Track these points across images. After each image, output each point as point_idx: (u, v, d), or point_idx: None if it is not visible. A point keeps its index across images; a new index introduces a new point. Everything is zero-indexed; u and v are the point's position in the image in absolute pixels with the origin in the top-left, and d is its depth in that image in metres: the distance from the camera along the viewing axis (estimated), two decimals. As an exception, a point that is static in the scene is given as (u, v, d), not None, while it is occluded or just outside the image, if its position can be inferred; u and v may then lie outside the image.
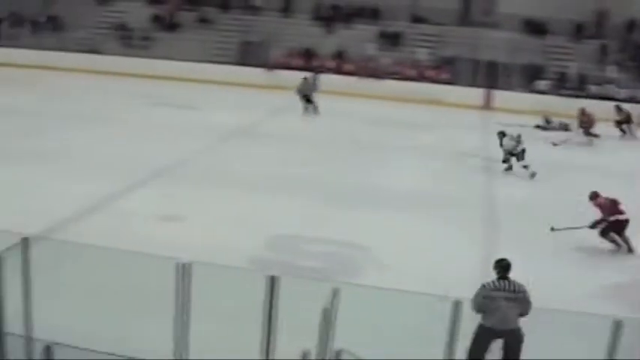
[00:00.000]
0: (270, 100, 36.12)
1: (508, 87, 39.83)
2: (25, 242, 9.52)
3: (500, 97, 38.80)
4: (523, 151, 23.97)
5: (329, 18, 45.19)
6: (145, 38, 45.00)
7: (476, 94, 39.12)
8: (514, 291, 10.09)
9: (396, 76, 41.44)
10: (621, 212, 17.08)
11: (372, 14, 45.05)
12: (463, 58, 41.66)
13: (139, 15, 46.46)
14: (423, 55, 42.63)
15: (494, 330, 10.12)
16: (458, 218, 18.39)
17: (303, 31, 44.20)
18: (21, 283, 9.64)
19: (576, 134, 30.71)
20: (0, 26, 46.15)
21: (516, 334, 10.16)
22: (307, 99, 34.18)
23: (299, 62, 42.62)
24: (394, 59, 42.39)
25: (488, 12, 44.51)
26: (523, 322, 10.02)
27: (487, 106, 38.78)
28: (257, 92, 37.14)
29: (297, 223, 17.57)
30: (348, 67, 42.28)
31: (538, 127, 32.57)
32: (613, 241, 17.18)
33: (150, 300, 11.79)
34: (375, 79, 40.88)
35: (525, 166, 23.82)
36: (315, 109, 33.96)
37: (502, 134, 24.37)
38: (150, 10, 47.02)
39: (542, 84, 39.91)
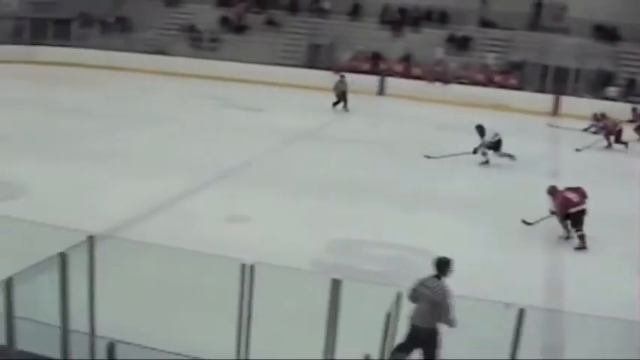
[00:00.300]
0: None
1: (577, 93, 39.31)
2: (91, 240, 9.58)
3: (569, 103, 38.25)
4: (499, 142, 25.04)
5: (397, 22, 45.05)
6: (213, 40, 45.28)
7: (544, 100, 38.65)
8: (434, 292, 10.01)
9: (464, 81, 41.16)
10: (576, 204, 17.37)
11: (441, 18, 44.80)
12: (532, 63, 41.25)
13: (207, 17, 46.75)
14: (491, 59, 42.29)
15: (413, 324, 10.13)
16: (522, 226, 18.13)
17: (370, 35, 44.10)
18: (86, 281, 9.70)
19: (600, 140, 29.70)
20: (69, 26, 46.70)
21: (431, 336, 10.13)
22: (342, 97, 35.24)
23: (366, 66, 42.54)
24: (462, 64, 42.12)
25: (559, 17, 43.99)
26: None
27: (555, 112, 38.30)
28: (324, 95, 37.09)
29: (360, 226, 17.47)
30: (415, 71, 42.07)
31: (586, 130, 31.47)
32: (567, 229, 17.71)
33: (213, 300, 11.80)
34: (443, 84, 40.65)
35: (503, 155, 25.13)
36: (345, 107, 35.06)
37: (481, 128, 25.23)
38: (218, 12, 47.30)
39: (611, 90, 39.22)
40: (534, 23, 44.14)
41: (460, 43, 43.19)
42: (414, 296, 10.17)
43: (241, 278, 8.98)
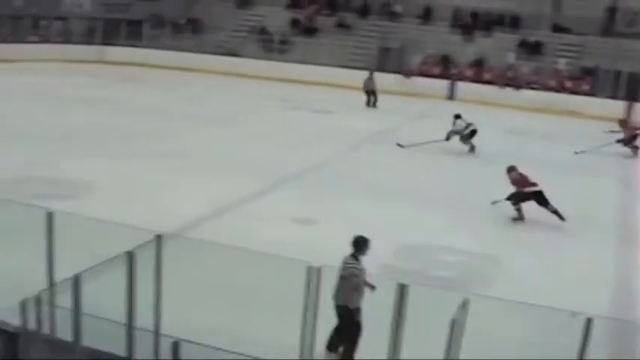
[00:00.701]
0: (407, 107, 35.91)
1: (650, 100, 38.62)
2: (159, 239, 9.62)
3: (642, 109, 37.58)
4: (473, 132, 26.74)
5: (468, 26, 44.73)
6: (284, 42, 45.40)
7: (616, 107, 38.00)
8: (343, 268, 10.46)
9: (535, 86, 40.73)
10: (532, 184, 18.83)
11: (512, 23, 44.38)
12: (604, 69, 40.64)
13: (278, 19, 46.91)
14: (563, 65, 41.79)
15: (334, 300, 10.42)
16: (594, 236, 17.84)
17: (441, 39, 43.87)
18: (152, 280, 9.73)
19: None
20: (141, 27, 47.17)
21: (343, 311, 10.38)
22: (371, 94, 36.21)
23: (436, 70, 42.32)
24: (533, 69, 41.69)
25: (633, 22, 43.29)
26: None
27: (627, 118, 37.65)
28: (393, 99, 36.99)
29: (428, 231, 17.35)
30: (486, 75, 41.72)
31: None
32: (518, 210, 18.89)
33: (278, 301, 11.78)
34: (514, 89, 40.26)
35: (471, 147, 26.92)
36: (375, 104, 36.07)
37: (457, 116, 27.00)
38: (289, 15, 47.42)
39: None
40: (608, 28, 43.47)
41: (532, 48, 42.76)
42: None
43: (307, 280, 8.94)
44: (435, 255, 16.00)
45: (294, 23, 46.69)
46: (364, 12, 46.94)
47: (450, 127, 26.76)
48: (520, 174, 19.13)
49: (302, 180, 21.48)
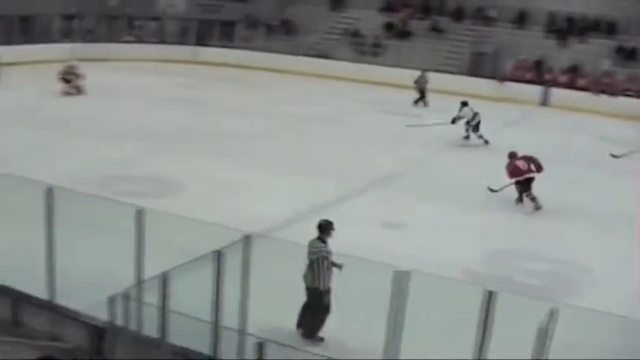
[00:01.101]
0: (499, 112, 35.51)
1: None
2: (247, 239, 9.65)
3: None
4: (478, 123, 27.96)
5: (563, 31, 44.06)
6: (376, 45, 45.31)
7: None
8: (311, 252, 11.10)
9: (631, 93, 39.88)
10: (526, 172, 19.91)
11: (609, 28, 43.54)
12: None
13: (371, 22, 46.85)
14: (661, 72, 40.93)
15: (305, 282, 11.20)
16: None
17: (536, 44, 43.28)
18: (238, 279, 9.76)
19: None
20: (234, 28, 47.54)
21: (314, 293, 11.10)
22: (422, 93, 36.67)
23: (530, 75, 41.79)
24: (630, 75, 40.86)
25: None
26: None
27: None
28: (486, 104, 36.60)
29: (516, 238, 17.19)
30: (580, 82, 40.98)
31: None
32: (533, 199, 19.87)
33: (364, 304, 11.74)
34: (609, 96, 39.51)
35: (481, 136, 27.96)
36: (426, 103, 36.44)
37: (464, 103, 28.48)
38: (382, 18, 47.32)
39: None
40: None
41: (628, 55, 41.90)
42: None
43: (394, 284, 8.89)
44: (522, 262, 15.79)
45: (388, 26, 46.58)
46: (458, 16, 46.60)
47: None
48: (515, 164, 20.13)
49: (391, 183, 21.42)
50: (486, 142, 27.89)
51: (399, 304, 8.99)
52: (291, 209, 17.80)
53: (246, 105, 32.58)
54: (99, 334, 10.91)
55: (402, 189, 20.81)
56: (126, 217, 10.54)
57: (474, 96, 37.06)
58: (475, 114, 28.19)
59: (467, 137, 28.33)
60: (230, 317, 9.82)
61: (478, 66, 43.22)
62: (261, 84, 39.18)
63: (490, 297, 8.39)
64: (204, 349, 9.92)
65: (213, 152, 23.32)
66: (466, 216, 18.74)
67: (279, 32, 47.34)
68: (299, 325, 11.29)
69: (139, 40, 47.64)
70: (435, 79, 38.81)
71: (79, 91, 32.74)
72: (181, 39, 48.17)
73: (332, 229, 11.44)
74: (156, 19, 49.14)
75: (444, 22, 46.24)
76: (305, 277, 11.23)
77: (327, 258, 11.05)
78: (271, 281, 11.98)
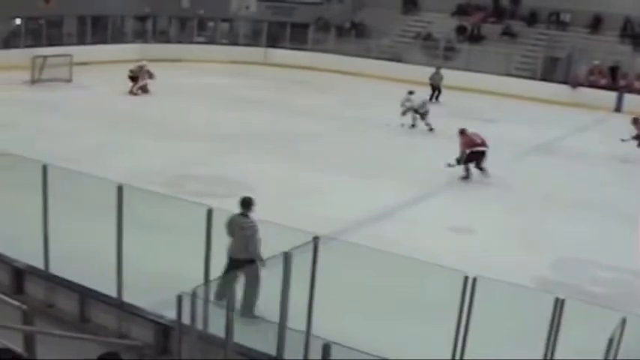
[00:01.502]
0: (572, 117, 35.06)
1: None
2: (316, 241, 9.66)
3: None
4: (426, 112, 29.14)
5: (638, 36, 43.35)
6: (448, 49, 45.05)
7: None
8: (245, 228, 11.83)
9: None
10: (478, 145, 22.05)
11: (686, 34, 42.81)
12: None
13: (443, 25, 46.62)
14: None
15: (230, 256, 11.93)
16: None
17: (610, 49, 42.61)
18: (305, 281, 9.77)
19: None
20: (306, 31, 47.61)
21: (240, 264, 11.70)
22: (436, 89, 37.66)
23: (604, 80, 41.16)
24: None
25: None
26: None
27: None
28: (559, 109, 36.23)
29: (588, 246, 16.91)
30: (657, 88, 40.24)
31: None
32: (467, 169, 22.04)
33: (430, 309, 11.67)
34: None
35: (428, 124, 29.06)
36: (437, 98, 37.23)
37: (411, 92, 29.81)
38: (455, 22, 47.03)
39: None
40: None
41: None
42: (229, 232, 12.03)
43: (462, 290, 8.83)
44: (594, 271, 15.56)
45: (460, 30, 46.29)
46: (531, 20, 46.08)
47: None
48: (469, 137, 22.27)
49: (461, 188, 21.31)
50: (431, 129, 28.94)
51: (466, 309, 8.93)
52: (360, 212, 17.81)
53: (317, 107, 32.63)
54: (165, 332, 10.99)
55: (472, 193, 20.70)
56: (195, 217, 10.60)
57: (546, 101, 36.86)
58: (424, 102, 29.89)
59: (413, 126, 29.48)
60: (296, 318, 9.82)
61: (551, 71, 42.70)
62: (332, 86, 39.19)
63: (558, 305, 8.29)
64: (270, 349, 9.93)
65: (283, 153, 23.41)
66: (537, 223, 18.54)
67: (351, 35, 47.31)
68: (219, 296, 11.49)
69: (211, 42, 47.98)
70: (506, 84, 38.51)
71: (144, 90, 33.26)
72: (253, 41, 48.39)
73: (254, 204, 12.21)
74: (228, 20, 49.44)
75: (517, 26, 45.78)
76: (235, 251, 11.98)
77: (257, 230, 11.87)
78: (338, 283, 11.97)
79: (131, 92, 32.85)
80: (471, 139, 22.15)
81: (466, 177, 22.10)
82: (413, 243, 15.06)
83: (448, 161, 21.96)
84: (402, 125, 29.32)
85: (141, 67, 33.32)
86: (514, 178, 22.80)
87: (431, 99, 36.15)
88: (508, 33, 45.30)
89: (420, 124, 29.23)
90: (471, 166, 22.06)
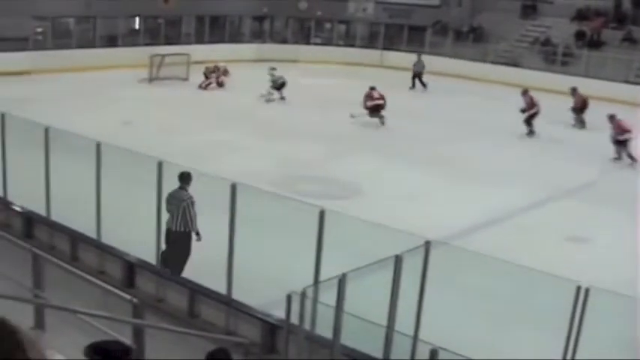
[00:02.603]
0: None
1: None
2: (427, 246, 9.60)
3: None
4: (283, 84, 32.18)
5: None
6: (567, 54, 44.32)
7: None
8: (182, 201, 12.89)
9: None
10: (377, 99, 28.18)
11: None
12: None
13: (562, 30, 45.87)
14: None
15: (168, 228, 13.03)
16: None
17: None
18: (413, 284, 9.71)
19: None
20: (424, 34, 47.41)
21: (182, 237, 13.01)
22: (418, 77, 39.64)
23: None
24: None
25: None
26: None
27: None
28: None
29: None
30: None
31: None
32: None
33: (540, 319, 11.50)
34: None
35: (282, 97, 32.05)
36: (413, 86, 39.51)
37: (273, 68, 32.53)
38: (574, 27, 46.23)
39: None
40: None
41: None
42: (168, 208, 12.97)
43: (574, 301, 8.67)
44: None
45: (579, 35, 45.48)
46: (654, 26, 45.12)
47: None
48: (370, 93, 28.38)
49: (573, 195, 20.90)
50: (282, 98, 31.92)
51: (577, 321, 8.78)
52: (473, 217, 17.67)
53: (432, 111, 32.43)
54: (273, 330, 11.02)
55: (591, 202, 20.23)
56: (306, 217, 10.62)
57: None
58: (281, 76, 32.46)
59: (282, 98, 32.06)
60: (403, 321, 9.77)
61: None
62: (447, 90, 38.91)
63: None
64: (376, 352, 9.88)
65: (396, 156, 23.35)
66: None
67: (468, 39, 46.93)
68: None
69: (328, 43, 48.18)
70: (625, 91, 37.71)
71: (219, 85, 34.84)
72: (369, 43, 48.41)
73: (191, 179, 13.12)
74: (345, 22, 49.60)
75: (638, 32, 44.80)
76: (173, 223, 12.98)
77: (194, 203, 12.91)
78: (448, 288, 11.87)
79: (201, 86, 34.46)
80: (370, 95, 28.42)
81: (382, 124, 27.77)
82: (526, 250, 14.89)
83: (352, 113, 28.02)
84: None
85: (217, 68, 34.86)
86: (624, 186, 22.00)
87: (413, 86, 38.94)
88: (629, 39, 44.30)
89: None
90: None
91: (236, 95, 32.64)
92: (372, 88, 28.65)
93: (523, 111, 29.28)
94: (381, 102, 27.99)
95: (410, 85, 39.39)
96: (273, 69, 32.70)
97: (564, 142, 28.17)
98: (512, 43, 46.28)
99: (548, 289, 10.46)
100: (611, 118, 26.70)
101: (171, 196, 13.00)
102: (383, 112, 27.99)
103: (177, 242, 13.12)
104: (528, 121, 28.95)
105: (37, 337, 9.15)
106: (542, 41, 45.75)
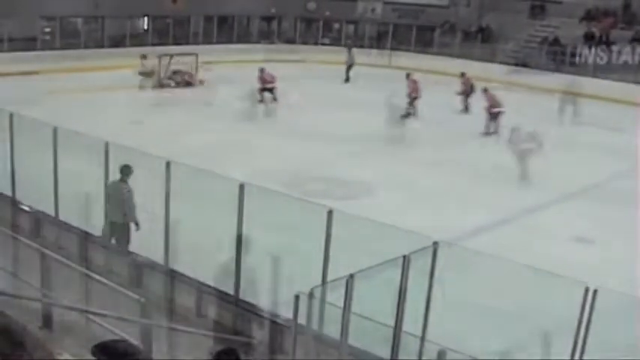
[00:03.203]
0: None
1: None
2: (435, 246, 9.60)
3: None
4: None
5: None
6: (575, 55, 44.24)
7: None
8: (121, 193, 13.50)
9: None
10: (269, 82, 31.10)
11: None
12: None
13: (571, 31, 45.77)
14: None
15: (110, 221, 13.77)
16: None
17: None
18: (420, 285, 9.71)
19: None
20: (432, 34, 47.40)
21: (123, 228, 13.73)
22: (347, 68, 40.64)
23: None
24: None
25: None
26: None
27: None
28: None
29: None
30: None
31: None
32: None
33: (548, 321, 11.46)
34: None
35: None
36: (349, 78, 40.42)
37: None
38: (583, 27, 46.15)
39: None
40: None
41: None
42: (107, 198, 13.70)
43: (582, 303, 8.65)
44: None
45: (588, 36, 45.41)
46: (664, 26, 45.04)
47: None
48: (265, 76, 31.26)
49: (584, 197, 20.87)
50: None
51: (584, 324, 8.77)
52: (482, 218, 17.66)
53: (438, 112, 32.35)
54: (280, 331, 11.02)
55: (597, 203, 20.20)
56: (314, 217, 10.62)
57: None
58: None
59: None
60: (411, 322, 9.76)
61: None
62: (455, 90, 38.87)
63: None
64: (384, 353, 9.88)
65: (405, 158, 23.33)
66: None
67: (477, 39, 46.87)
68: None
69: (336, 43, 48.18)
70: (632, 91, 37.65)
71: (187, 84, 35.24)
72: (378, 43, 48.40)
73: (131, 172, 13.61)
74: (353, 22, 49.62)
75: (646, 32, 44.76)
76: (112, 213, 13.73)
77: (132, 195, 13.57)
78: (455, 290, 11.84)
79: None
80: (264, 78, 31.20)
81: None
82: (534, 251, 14.90)
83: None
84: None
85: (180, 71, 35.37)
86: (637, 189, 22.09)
87: (347, 81, 39.75)
88: (638, 39, 44.20)
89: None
90: None
91: (241, 94, 32.57)
92: (262, 70, 31.58)
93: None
94: (274, 85, 31.24)
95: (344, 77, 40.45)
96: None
97: (574, 143, 28.13)
98: (521, 43, 46.22)
99: (554, 289, 10.42)
100: (485, 91, 28.88)
101: (111, 187, 13.73)
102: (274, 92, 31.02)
103: (119, 232, 13.87)
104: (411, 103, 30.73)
105: (45, 336, 9.17)
106: (551, 41, 45.65)
